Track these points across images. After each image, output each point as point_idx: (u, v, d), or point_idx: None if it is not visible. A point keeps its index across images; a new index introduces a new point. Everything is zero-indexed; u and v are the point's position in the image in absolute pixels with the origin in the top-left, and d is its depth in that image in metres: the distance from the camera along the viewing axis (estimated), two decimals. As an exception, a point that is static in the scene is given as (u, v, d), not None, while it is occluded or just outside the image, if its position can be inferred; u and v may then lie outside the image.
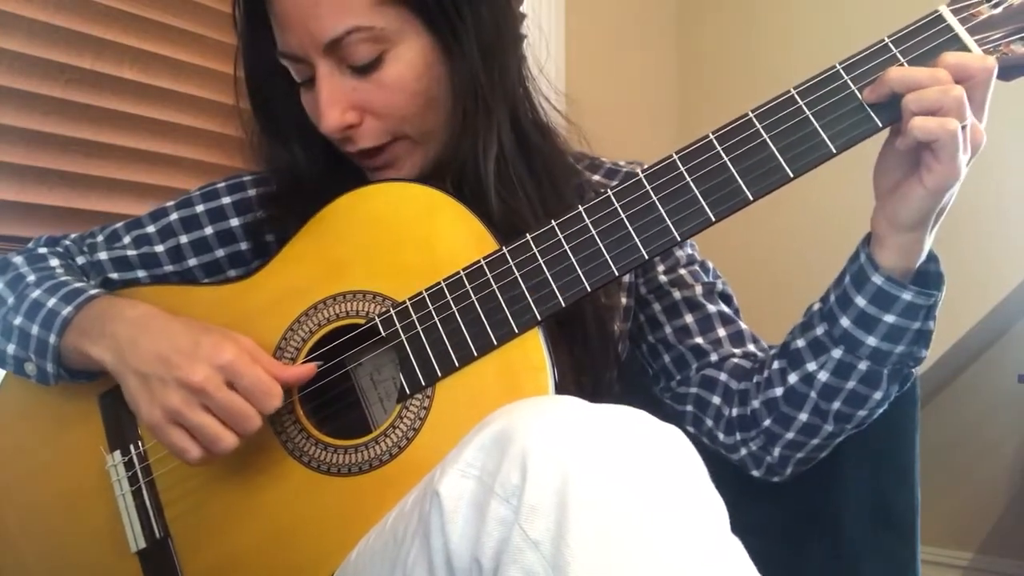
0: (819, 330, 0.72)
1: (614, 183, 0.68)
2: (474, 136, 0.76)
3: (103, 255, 0.86)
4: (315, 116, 0.76)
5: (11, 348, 0.76)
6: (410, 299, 0.70)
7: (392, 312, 0.70)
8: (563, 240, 0.67)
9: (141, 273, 0.86)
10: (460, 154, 0.77)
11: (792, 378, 0.74)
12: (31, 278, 0.78)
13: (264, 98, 0.82)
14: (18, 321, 0.75)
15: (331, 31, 0.71)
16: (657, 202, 0.66)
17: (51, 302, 0.75)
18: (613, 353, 0.84)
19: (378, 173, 0.79)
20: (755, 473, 0.82)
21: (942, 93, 0.60)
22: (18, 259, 0.83)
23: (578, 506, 0.47)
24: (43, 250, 0.85)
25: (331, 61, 0.73)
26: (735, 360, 0.84)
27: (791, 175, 0.64)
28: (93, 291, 0.76)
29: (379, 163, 0.78)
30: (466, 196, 0.73)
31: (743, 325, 0.87)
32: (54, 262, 0.83)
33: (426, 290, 0.69)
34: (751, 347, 0.85)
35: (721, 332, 0.85)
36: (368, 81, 0.73)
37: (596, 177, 0.91)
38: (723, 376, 0.83)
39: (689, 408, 0.85)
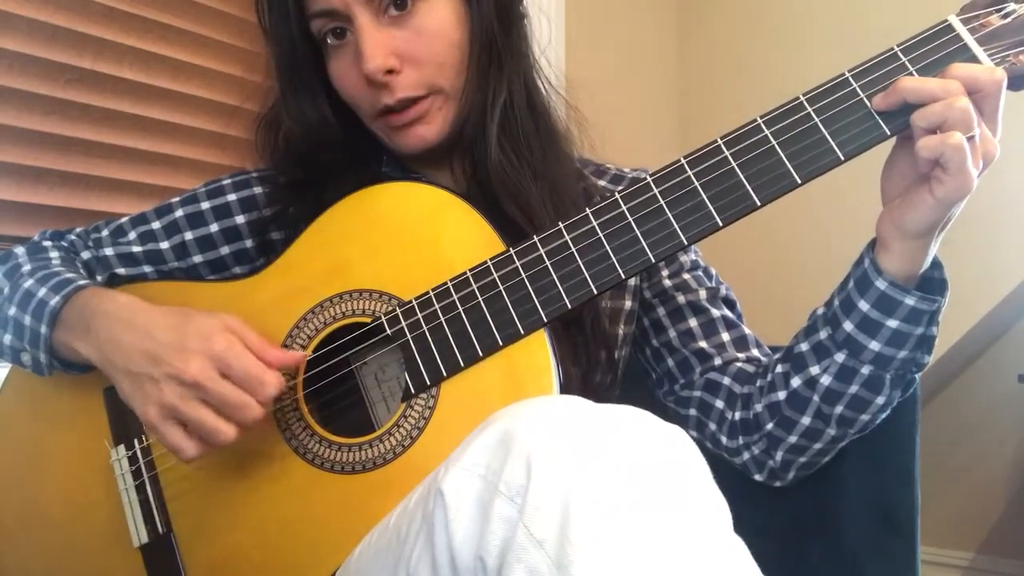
0: (822, 334, 0.72)
1: (620, 188, 0.68)
2: (484, 90, 0.78)
3: (109, 251, 0.86)
4: (354, 66, 0.76)
5: (7, 338, 0.77)
6: (416, 299, 0.70)
7: (398, 311, 0.70)
8: (570, 242, 0.67)
9: (147, 268, 0.86)
10: (470, 109, 0.78)
11: (795, 382, 0.74)
12: (26, 268, 0.79)
13: (290, 67, 0.81)
14: (12, 312, 0.76)
15: None
16: (665, 206, 0.66)
17: (41, 292, 0.75)
18: (608, 353, 0.84)
19: (407, 130, 0.78)
20: (757, 477, 0.82)
21: (946, 107, 0.59)
22: (19, 250, 0.83)
23: (582, 505, 0.47)
24: (47, 243, 0.85)
25: (369, 12, 0.75)
26: (739, 364, 0.84)
27: (799, 181, 0.64)
28: (82, 282, 0.76)
29: (410, 117, 0.78)
30: (464, 158, 0.75)
31: (747, 330, 0.87)
32: (54, 254, 0.83)
33: (432, 290, 0.69)
34: (755, 351, 0.85)
35: (725, 336, 0.85)
36: (406, 29, 0.75)
37: (601, 182, 0.91)
38: (726, 380, 0.83)
39: (692, 412, 0.85)
